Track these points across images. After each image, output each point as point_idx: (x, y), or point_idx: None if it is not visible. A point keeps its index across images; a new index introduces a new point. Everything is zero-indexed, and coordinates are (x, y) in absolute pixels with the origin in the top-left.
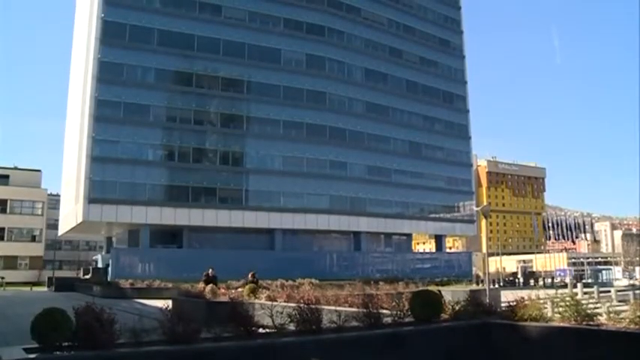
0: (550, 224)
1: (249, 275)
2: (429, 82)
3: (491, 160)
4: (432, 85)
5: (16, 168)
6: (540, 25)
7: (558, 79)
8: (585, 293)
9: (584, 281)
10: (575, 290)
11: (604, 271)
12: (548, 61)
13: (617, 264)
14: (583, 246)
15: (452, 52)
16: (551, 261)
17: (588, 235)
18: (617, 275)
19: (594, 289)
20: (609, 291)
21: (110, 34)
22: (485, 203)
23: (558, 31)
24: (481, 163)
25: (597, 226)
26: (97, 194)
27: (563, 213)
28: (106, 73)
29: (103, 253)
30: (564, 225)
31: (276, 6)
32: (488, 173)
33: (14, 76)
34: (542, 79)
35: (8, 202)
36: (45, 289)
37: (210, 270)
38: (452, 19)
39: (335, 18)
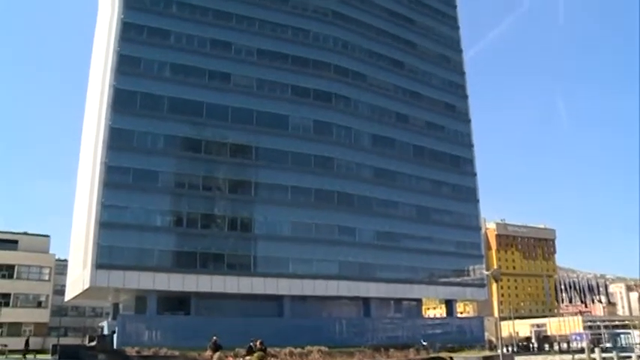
0: (563, 286)
1: (257, 343)
2: (435, 147)
3: (500, 222)
4: (438, 149)
5: (25, 233)
6: (545, 85)
7: (565, 139)
8: (604, 359)
9: (602, 346)
10: (593, 355)
11: (622, 335)
12: (555, 121)
13: (635, 327)
14: (598, 309)
15: (457, 116)
16: (566, 325)
17: (603, 298)
18: (637, 339)
19: (614, 354)
20: (630, 357)
21: (121, 101)
22: (495, 266)
23: (563, 90)
24: (490, 225)
25: (612, 288)
26: (104, 260)
27: (575, 275)
28: (117, 140)
29: (110, 319)
30: (577, 287)
31: (284, 73)
32: (498, 236)
33: (26, 141)
34: (549, 140)
35: (16, 267)
36: (49, 356)
37: (215, 338)
38: (456, 84)
39: (341, 84)
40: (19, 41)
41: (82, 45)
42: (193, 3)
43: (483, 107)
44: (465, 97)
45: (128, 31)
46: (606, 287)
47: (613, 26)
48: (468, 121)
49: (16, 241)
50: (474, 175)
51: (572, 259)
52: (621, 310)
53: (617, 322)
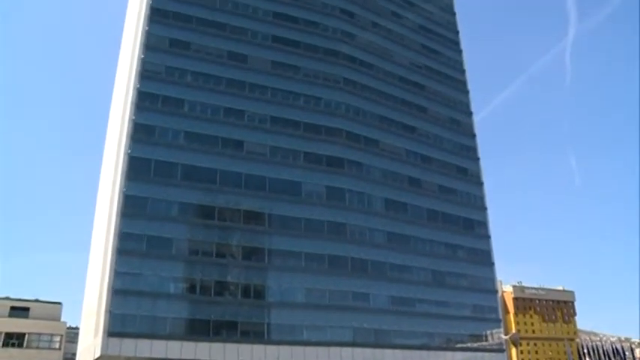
0: (585, 351)
1: None
2: (448, 210)
3: (517, 285)
4: (452, 213)
5: (37, 300)
6: (557, 145)
7: (580, 198)
8: None
9: None
10: None
11: None
12: (568, 182)
13: None
14: None
15: (470, 178)
16: None
17: None
18: None
19: None
20: None
21: (136, 168)
22: (513, 330)
23: (575, 150)
24: (507, 288)
25: (638, 353)
26: (116, 328)
27: (598, 338)
28: (131, 207)
29: None
30: (601, 351)
31: (297, 140)
32: (515, 299)
33: (39, 211)
34: (563, 200)
35: (26, 336)
36: None
37: None
38: (468, 147)
39: (354, 150)
40: (38, 119)
41: (99, 116)
42: (207, 72)
43: (496, 169)
44: (476, 159)
45: (143, 100)
46: (632, 351)
47: (620, 86)
48: (481, 183)
49: (27, 309)
50: (489, 237)
51: (593, 321)
52: None
53: None
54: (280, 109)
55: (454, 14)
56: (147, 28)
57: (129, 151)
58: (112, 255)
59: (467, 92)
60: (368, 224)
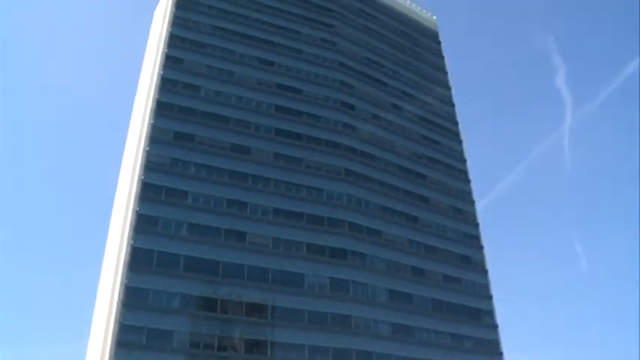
0: None
1: None
2: (453, 300)
3: None
4: (457, 302)
5: None
6: (561, 231)
7: (588, 283)
8: None
9: None
10: None
11: None
12: (575, 266)
13: None
14: None
15: (474, 267)
16: None
17: None
18: None
19: None
20: None
21: (138, 259)
22: None
23: (579, 235)
24: None
25: None
26: None
27: None
28: (132, 298)
29: None
30: None
31: (299, 232)
32: None
33: (36, 301)
34: (570, 285)
35: None
36: None
37: None
38: (471, 236)
39: (357, 241)
40: (39, 209)
41: (102, 207)
42: (210, 164)
43: (500, 256)
44: (480, 248)
45: (147, 191)
46: None
47: (620, 170)
48: (485, 272)
49: None
50: (496, 327)
51: None
52: None
53: None
54: (283, 201)
55: (453, 105)
56: (152, 121)
57: (132, 242)
58: (112, 347)
59: (468, 181)
60: (372, 316)
